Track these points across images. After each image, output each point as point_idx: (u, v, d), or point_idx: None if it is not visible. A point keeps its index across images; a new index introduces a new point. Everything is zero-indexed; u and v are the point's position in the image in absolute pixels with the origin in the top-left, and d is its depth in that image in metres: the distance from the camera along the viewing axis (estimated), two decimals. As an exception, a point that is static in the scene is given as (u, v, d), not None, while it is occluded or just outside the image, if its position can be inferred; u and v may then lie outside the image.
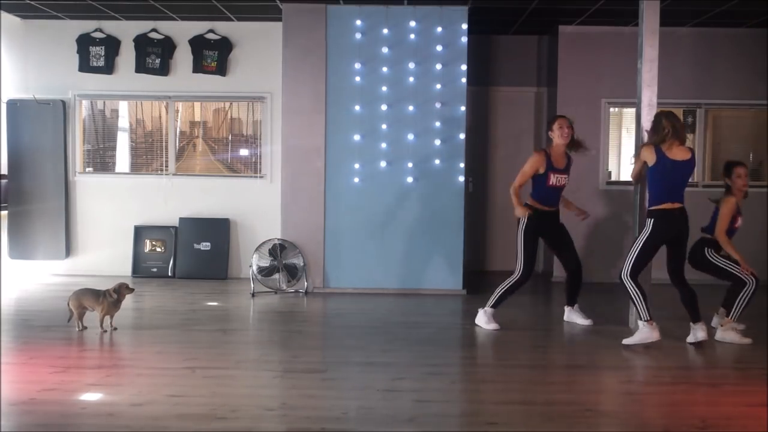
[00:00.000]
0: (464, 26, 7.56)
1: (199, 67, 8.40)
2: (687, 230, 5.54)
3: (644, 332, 5.44)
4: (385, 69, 7.59)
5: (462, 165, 7.65)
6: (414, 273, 7.68)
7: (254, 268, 7.57)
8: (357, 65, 7.59)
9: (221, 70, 8.41)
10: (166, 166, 8.69)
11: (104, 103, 8.92)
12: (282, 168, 7.81)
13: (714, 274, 5.83)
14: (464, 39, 7.58)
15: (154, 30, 8.42)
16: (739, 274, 5.63)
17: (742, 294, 5.60)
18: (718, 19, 7.96)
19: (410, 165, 7.64)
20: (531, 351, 5.59)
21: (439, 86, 7.59)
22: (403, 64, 7.59)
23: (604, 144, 8.61)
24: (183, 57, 8.46)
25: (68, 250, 8.62)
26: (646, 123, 5.86)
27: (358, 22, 7.57)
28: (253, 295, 7.47)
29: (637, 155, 5.87)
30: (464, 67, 7.58)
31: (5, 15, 8.20)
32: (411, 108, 7.61)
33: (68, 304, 5.75)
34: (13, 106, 8.42)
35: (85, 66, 8.45)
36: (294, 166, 7.70)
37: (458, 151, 7.64)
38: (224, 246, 8.51)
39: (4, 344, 5.32)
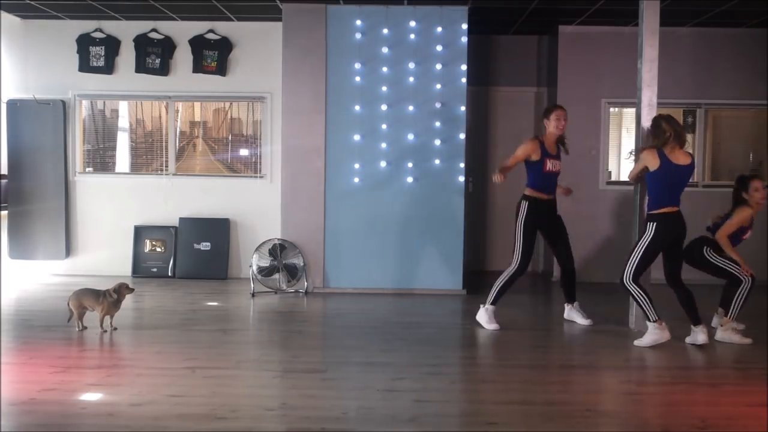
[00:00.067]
0: (464, 26, 7.57)
1: (199, 67, 8.40)
2: (685, 233, 5.59)
3: (655, 333, 5.47)
4: (385, 69, 7.59)
5: (462, 165, 7.65)
6: (414, 273, 7.68)
7: (254, 268, 7.58)
8: (357, 65, 7.59)
9: (221, 70, 8.41)
10: (166, 166, 8.69)
11: (104, 103, 8.92)
12: (282, 168, 7.81)
13: (711, 273, 5.85)
14: (464, 39, 7.58)
15: (154, 30, 8.42)
16: (737, 273, 5.65)
17: (738, 292, 5.63)
18: (718, 19, 7.96)
19: (410, 165, 7.65)
20: (531, 351, 5.59)
21: (439, 86, 7.59)
22: (403, 64, 7.59)
23: (604, 144, 8.61)
24: (183, 57, 8.46)
25: (68, 250, 8.62)
26: (646, 123, 5.87)
27: (358, 22, 7.57)
28: (253, 295, 7.47)
29: (636, 157, 5.87)
30: (464, 67, 7.58)
31: (5, 15, 8.20)
32: (411, 108, 7.61)
33: (68, 304, 5.75)
34: (13, 106, 8.42)
35: (85, 66, 8.45)
36: (294, 166, 7.71)
37: (458, 151, 7.64)
38: (224, 246, 8.51)
39: (4, 344, 5.32)
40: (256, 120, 8.70)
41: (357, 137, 7.63)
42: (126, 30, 8.43)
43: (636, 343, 5.53)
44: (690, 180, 5.67)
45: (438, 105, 7.59)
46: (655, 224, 5.46)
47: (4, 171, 8.41)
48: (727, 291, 5.78)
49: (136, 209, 8.60)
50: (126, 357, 5.30)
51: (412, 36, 7.58)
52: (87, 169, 8.78)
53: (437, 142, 7.62)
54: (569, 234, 6.27)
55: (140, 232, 8.59)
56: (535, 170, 6.02)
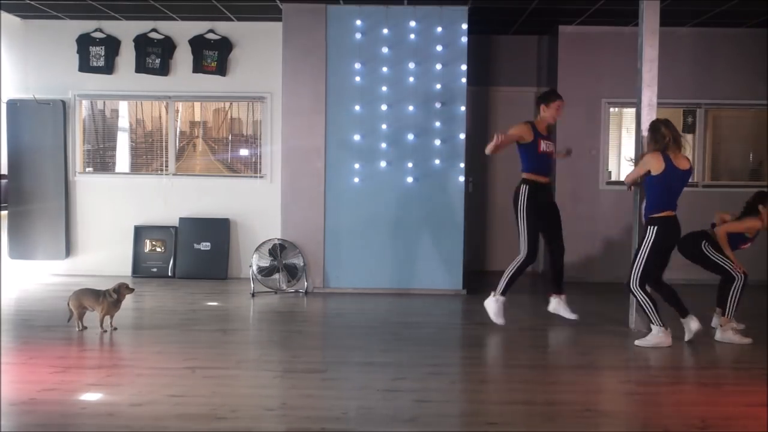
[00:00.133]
0: (464, 26, 7.57)
1: (199, 67, 8.40)
2: (680, 238, 5.66)
3: (659, 337, 5.48)
4: (385, 69, 7.59)
5: (462, 165, 7.65)
6: (414, 273, 7.68)
7: (254, 268, 7.58)
8: (357, 65, 7.59)
9: (221, 70, 8.41)
10: (166, 166, 8.69)
11: (104, 103, 8.92)
12: (282, 168, 7.81)
13: (706, 267, 5.90)
14: (464, 39, 7.58)
15: (154, 30, 8.42)
16: (730, 269, 5.70)
17: (732, 290, 5.68)
18: (718, 19, 7.96)
19: (410, 165, 7.65)
20: (531, 351, 5.59)
21: (439, 86, 7.59)
22: (403, 64, 7.59)
23: (604, 144, 8.61)
24: (183, 57, 8.46)
25: (68, 250, 8.62)
26: (646, 123, 5.86)
27: (358, 22, 7.57)
28: (253, 295, 7.47)
29: (637, 162, 5.86)
30: (464, 67, 7.58)
31: (5, 15, 8.20)
32: (411, 108, 7.61)
33: (68, 304, 5.75)
34: (13, 106, 8.42)
35: (85, 66, 8.45)
36: (294, 166, 7.71)
37: (458, 151, 7.64)
38: (224, 246, 8.51)
39: (4, 344, 5.32)
40: (256, 120, 8.70)
41: (357, 137, 7.63)
42: (126, 30, 8.43)
43: (637, 343, 5.53)
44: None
45: (438, 105, 7.59)
46: (656, 228, 5.47)
47: (4, 171, 8.41)
48: (722, 289, 5.82)
49: (136, 209, 8.60)
50: (126, 357, 5.30)
51: (412, 36, 7.58)
52: (87, 169, 8.78)
53: (437, 142, 7.62)
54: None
55: (140, 232, 8.59)
56: (530, 152, 5.96)
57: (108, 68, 8.45)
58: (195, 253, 8.51)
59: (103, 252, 8.61)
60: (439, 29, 7.56)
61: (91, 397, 4.20)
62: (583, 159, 8.47)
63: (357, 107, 7.61)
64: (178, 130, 8.79)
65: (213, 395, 4.23)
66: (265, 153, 8.54)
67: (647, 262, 5.51)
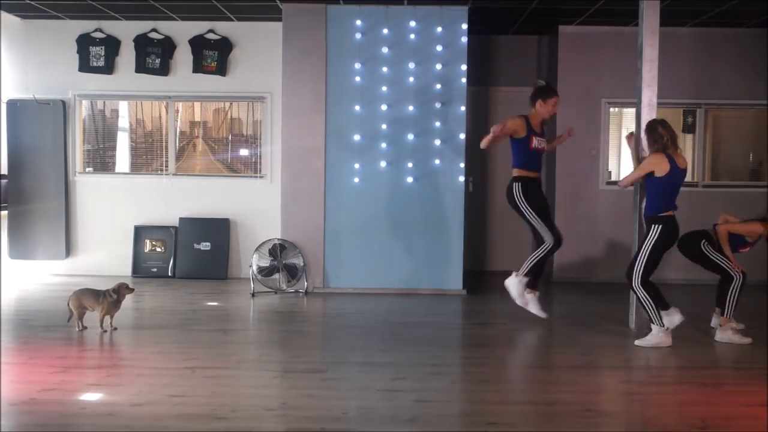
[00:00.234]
0: (464, 26, 7.56)
1: (199, 67, 8.40)
2: (678, 237, 5.67)
3: (659, 337, 5.48)
4: (385, 69, 7.59)
5: (462, 165, 7.65)
6: (414, 273, 7.68)
7: (254, 268, 7.58)
8: (357, 65, 7.59)
9: (221, 70, 8.41)
10: (166, 166, 8.69)
11: (104, 103, 8.92)
12: (282, 168, 7.81)
13: (704, 266, 5.92)
14: (464, 39, 7.58)
15: (154, 30, 8.42)
16: (728, 269, 5.71)
17: (731, 289, 5.70)
18: (718, 19, 7.96)
19: (410, 165, 7.64)
20: (531, 351, 5.59)
21: (439, 86, 7.59)
22: (403, 64, 7.59)
23: (604, 144, 8.61)
24: (183, 57, 8.46)
25: (68, 250, 8.62)
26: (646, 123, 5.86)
27: (358, 22, 7.57)
28: (253, 295, 7.47)
29: (638, 164, 5.86)
30: (464, 67, 7.58)
31: (5, 15, 8.20)
32: (411, 108, 7.61)
33: (68, 304, 5.75)
34: (13, 106, 8.42)
35: (85, 66, 8.45)
36: (294, 166, 7.71)
37: (458, 151, 7.64)
38: (224, 246, 8.51)
39: (4, 344, 5.32)
40: (256, 120, 8.70)
41: (357, 137, 7.63)
42: (126, 30, 8.43)
43: (637, 342, 5.53)
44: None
45: (438, 105, 7.59)
46: (660, 227, 5.48)
47: (4, 171, 8.41)
48: (721, 289, 5.83)
49: (136, 209, 8.60)
50: (126, 357, 5.30)
51: (412, 36, 7.58)
52: (87, 169, 8.78)
53: (437, 142, 7.62)
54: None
55: (140, 232, 8.59)
56: (522, 147, 6.00)
57: (108, 68, 8.45)
58: (195, 253, 8.51)
59: (103, 252, 8.61)
60: (439, 29, 7.56)
61: (91, 397, 4.20)
62: (583, 159, 8.47)
63: (357, 107, 7.61)
64: (178, 130, 8.79)
65: (213, 395, 4.23)
66: (265, 153, 8.54)
67: (648, 260, 5.52)
